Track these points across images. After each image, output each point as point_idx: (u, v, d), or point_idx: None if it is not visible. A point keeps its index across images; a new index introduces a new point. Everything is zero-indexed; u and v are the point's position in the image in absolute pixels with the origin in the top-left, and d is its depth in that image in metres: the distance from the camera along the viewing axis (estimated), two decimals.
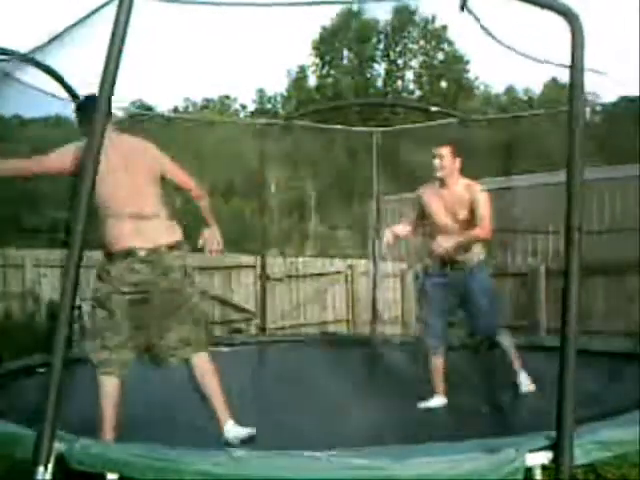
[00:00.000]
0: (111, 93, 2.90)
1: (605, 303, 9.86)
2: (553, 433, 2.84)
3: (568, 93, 2.71)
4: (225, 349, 6.90)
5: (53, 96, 5.61)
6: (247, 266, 11.44)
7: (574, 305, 2.76)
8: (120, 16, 2.84)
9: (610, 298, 9.88)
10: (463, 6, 3.09)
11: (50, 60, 4.69)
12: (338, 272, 12.34)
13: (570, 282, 2.78)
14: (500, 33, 3.47)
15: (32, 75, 4.91)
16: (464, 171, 4.94)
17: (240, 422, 3.90)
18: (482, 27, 3.31)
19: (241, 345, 7.96)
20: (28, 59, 4.53)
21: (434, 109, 9.02)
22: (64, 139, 4.05)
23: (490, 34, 3.42)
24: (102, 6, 3.10)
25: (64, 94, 5.56)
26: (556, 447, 2.80)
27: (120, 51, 2.86)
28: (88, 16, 3.26)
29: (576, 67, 2.74)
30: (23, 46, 4.32)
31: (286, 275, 11.63)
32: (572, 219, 2.75)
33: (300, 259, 13.44)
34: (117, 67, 2.87)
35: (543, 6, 2.81)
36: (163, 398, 4.62)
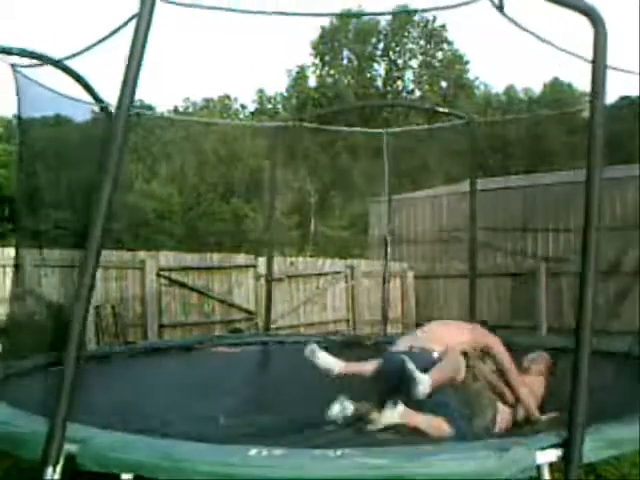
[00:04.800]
0: (133, 96, 2.90)
1: (605, 302, 9.86)
2: (563, 432, 2.85)
3: (590, 92, 2.69)
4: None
5: (78, 101, 5.75)
6: (247, 266, 11.41)
7: (589, 307, 2.74)
8: (141, 22, 2.85)
9: (610, 297, 9.88)
10: (501, 7, 3.06)
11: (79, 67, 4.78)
12: (338, 272, 12.33)
13: (586, 283, 2.75)
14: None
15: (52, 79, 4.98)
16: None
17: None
18: (520, 27, 3.28)
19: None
20: (59, 65, 4.56)
21: (439, 109, 9.03)
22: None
23: (532, 33, 3.41)
24: (130, 19, 3.12)
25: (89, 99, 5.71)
26: (567, 445, 2.80)
27: (142, 53, 2.87)
28: (118, 29, 3.29)
29: (598, 66, 2.72)
30: (53, 52, 4.36)
31: (286, 275, 11.61)
32: (591, 219, 2.71)
33: (300, 259, 13.42)
34: (139, 70, 2.87)
35: (567, 6, 2.79)
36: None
